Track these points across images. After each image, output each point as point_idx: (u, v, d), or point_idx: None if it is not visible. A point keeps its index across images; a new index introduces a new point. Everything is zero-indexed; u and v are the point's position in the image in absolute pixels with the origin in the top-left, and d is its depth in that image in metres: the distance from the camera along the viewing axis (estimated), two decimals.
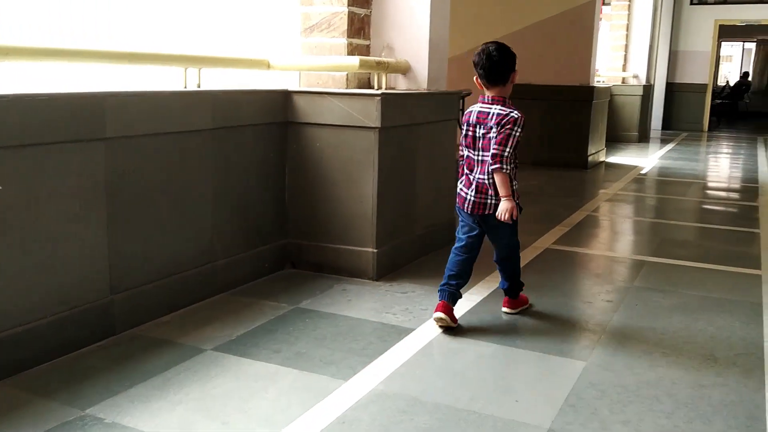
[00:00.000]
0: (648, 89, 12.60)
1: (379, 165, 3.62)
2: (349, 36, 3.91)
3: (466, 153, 3.05)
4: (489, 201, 3.00)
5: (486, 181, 2.98)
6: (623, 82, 12.06)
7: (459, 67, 5.01)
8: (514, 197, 2.97)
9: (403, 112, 3.82)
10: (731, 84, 21.97)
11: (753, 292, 3.72)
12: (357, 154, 3.64)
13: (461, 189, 3.07)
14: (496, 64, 2.95)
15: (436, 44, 4.08)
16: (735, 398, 2.47)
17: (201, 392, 2.40)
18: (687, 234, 5.30)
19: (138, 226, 2.94)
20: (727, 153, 11.19)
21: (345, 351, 2.77)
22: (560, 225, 5.22)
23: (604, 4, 10.60)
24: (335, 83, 3.90)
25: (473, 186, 3.01)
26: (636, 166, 8.98)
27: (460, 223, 3.14)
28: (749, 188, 7.54)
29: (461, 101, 5.60)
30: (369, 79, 4.07)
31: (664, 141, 12.64)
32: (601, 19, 9.44)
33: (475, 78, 3.03)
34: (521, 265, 3.31)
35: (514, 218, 2.98)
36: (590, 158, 8.49)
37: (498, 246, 3.17)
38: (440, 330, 3.03)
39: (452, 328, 3.02)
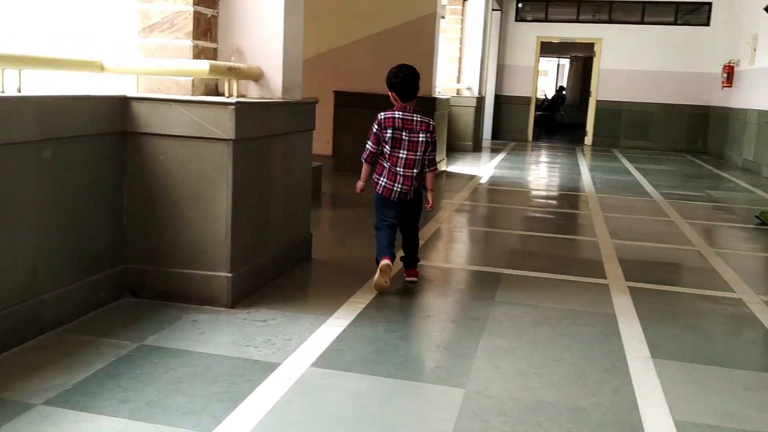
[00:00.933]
0: (481, 101, 13.11)
1: (234, 181, 3.29)
2: (194, 38, 3.54)
3: (401, 154, 3.74)
4: (411, 190, 3.81)
5: (411, 176, 3.76)
6: (458, 94, 12.44)
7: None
8: None
9: (259, 122, 3.52)
10: (549, 97, 23.60)
11: (605, 302, 3.83)
12: (208, 169, 3.29)
13: (386, 182, 3.79)
14: (413, 84, 3.76)
15: (290, 49, 3.82)
16: (612, 419, 2.45)
17: None
18: (534, 244, 5.44)
19: None
20: (553, 162, 11.89)
21: (205, 396, 2.44)
22: None
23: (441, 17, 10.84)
24: (179, 89, 3.52)
25: (399, 179, 3.76)
26: (475, 176, 9.24)
27: (383, 209, 3.85)
28: (580, 196, 7.99)
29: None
30: (217, 85, 3.73)
31: (494, 150, 13.22)
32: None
33: (391, 93, 3.77)
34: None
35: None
36: None
37: (412, 223, 3.94)
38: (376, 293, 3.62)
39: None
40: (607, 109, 15.49)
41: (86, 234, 3.16)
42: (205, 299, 3.36)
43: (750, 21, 12.71)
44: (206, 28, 3.64)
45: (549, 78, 28.28)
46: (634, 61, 15.14)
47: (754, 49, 12.28)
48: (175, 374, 2.60)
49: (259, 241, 3.68)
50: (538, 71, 16.61)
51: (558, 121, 21.85)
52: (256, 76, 3.75)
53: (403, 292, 3.82)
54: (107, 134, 3.25)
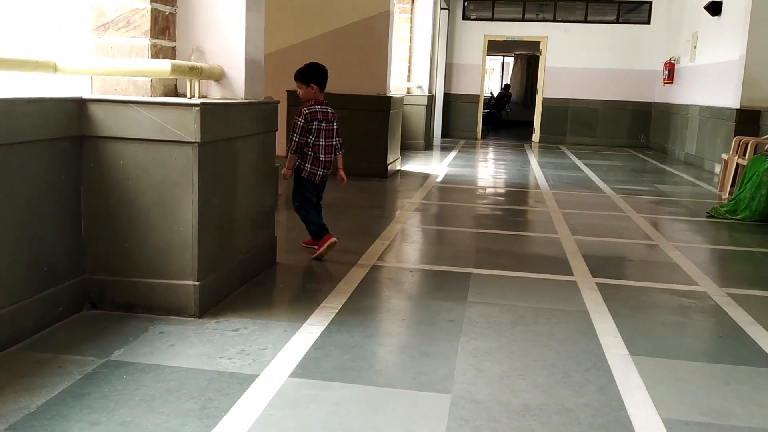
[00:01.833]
0: (431, 99, 13.11)
1: (200, 185, 3.15)
2: (152, 36, 3.38)
3: (322, 142, 4.38)
4: (327, 173, 4.48)
5: (331, 160, 4.47)
6: (408, 93, 12.41)
7: None
8: None
9: (224, 123, 3.38)
10: (495, 95, 23.83)
11: (576, 299, 3.83)
12: (172, 174, 3.14)
13: (312, 168, 4.40)
14: (325, 76, 4.43)
15: (252, 48, 3.69)
16: (602, 420, 2.43)
17: None
18: (498, 242, 5.42)
19: None
20: (504, 159, 11.96)
21: (181, 415, 2.30)
22: (379, 239, 5.07)
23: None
24: (137, 90, 3.36)
25: (323, 164, 4.42)
26: (430, 174, 9.22)
27: (308, 191, 4.45)
28: (535, 193, 8.04)
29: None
30: (176, 86, 3.58)
31: (445, 149, 13.24)
32: None
33: (311, 87, 4.40)
34: None
35: None
36: (389, 167, 8.54)
37: (321, 199, 4.61)
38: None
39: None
40: (553, 107, 15.72)
41: (42, 244, 2.97)
42: (171, 309, 3.21)
43: (690, 19, 13.06)
44: (164, 26, 3.48)
45: (495, 76, 28.57)
46: (579, 59, 15.41)
47: (695, 47, 12.63)
48: (147, 391, 2.46)
49: (226, 247, 3.54)
50: (485, 69, 16.73)
51: (504, 119, 22.09)
52: (218, 76, 3.61)
53: (374, 294, 3.73)
54: (62, 138, 3.06)
